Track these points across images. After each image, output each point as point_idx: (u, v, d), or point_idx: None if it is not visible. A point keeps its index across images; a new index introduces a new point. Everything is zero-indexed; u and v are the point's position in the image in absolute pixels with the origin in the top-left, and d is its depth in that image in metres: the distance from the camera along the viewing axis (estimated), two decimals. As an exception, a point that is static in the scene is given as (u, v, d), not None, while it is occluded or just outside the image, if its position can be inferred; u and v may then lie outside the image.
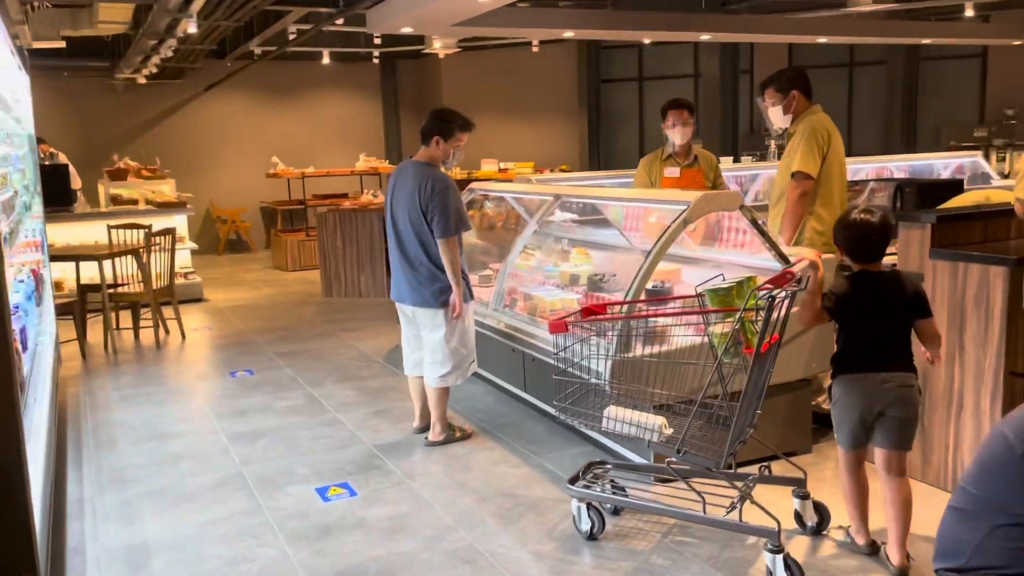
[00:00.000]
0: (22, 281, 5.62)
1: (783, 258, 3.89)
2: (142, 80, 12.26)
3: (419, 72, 14.72)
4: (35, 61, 11.42)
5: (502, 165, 13.09)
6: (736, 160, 8.49)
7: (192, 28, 7.73)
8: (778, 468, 3.58)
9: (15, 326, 4.56)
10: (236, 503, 3.78)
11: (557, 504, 3.65)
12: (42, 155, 9.48)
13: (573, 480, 3.39)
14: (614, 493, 3.41)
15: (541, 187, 5.39)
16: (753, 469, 3.42)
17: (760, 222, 3.90)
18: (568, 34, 8.25)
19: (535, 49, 12.33)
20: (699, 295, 3.02)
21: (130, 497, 3.88)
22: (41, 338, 5.42)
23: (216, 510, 3.71)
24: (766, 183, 7.75)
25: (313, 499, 3.79)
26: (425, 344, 4.40)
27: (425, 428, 4.56)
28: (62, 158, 9.88)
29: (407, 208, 4.25)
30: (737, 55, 10.87)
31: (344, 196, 12.12)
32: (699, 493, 3.03)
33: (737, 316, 2.79)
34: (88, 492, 3.97)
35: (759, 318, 2.84)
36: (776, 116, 4.39)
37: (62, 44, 9.30)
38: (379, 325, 7.54)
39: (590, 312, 3.68)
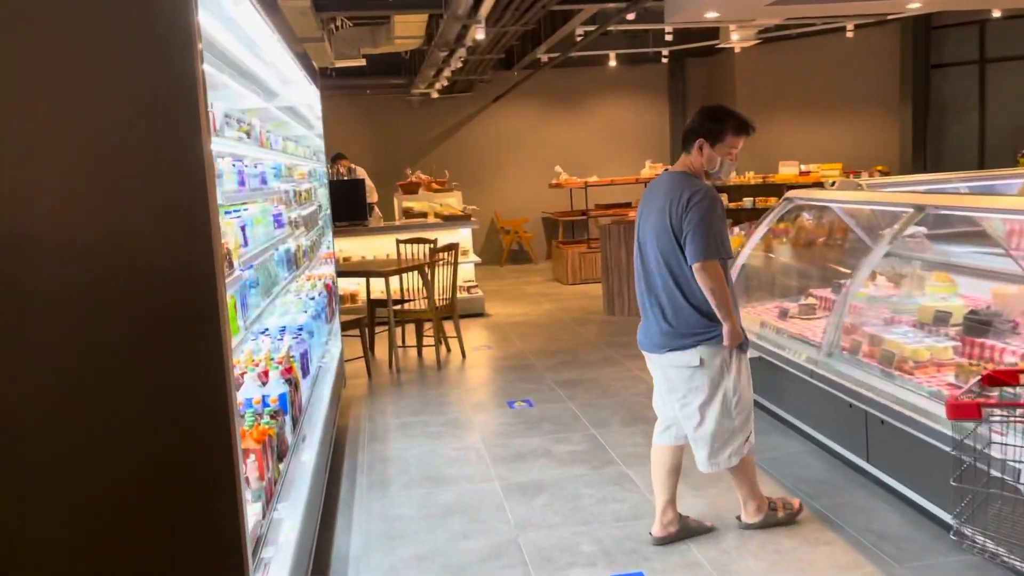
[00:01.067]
0: (313, 299, 5.55)
1: None
2: (435, 95, 12.55)
3: (710, 70, 13.64)
4: (339, 81, 12.10)
5: (804, 167, 11.68)
6: None
7: (480, 35, 7.45)
8: None
9: (297, 351, 4.36)
10: (510, 585, 3.15)
11: (946, 655, 2.55)
12: (342, 170, 9.88)
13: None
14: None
15: (892, 195, 4.21)
16: None
17: None
18: (913, 5, 6.76)
19: (849, 34, 10.73)
20: None
21: (396, 562, 3.40)
22: (325, 359, 5.29)
23: (487, 594, 3.10)
24: None
25: (601, 593, 3.05)
26: (681, 413, 3.34)
27: (665, 539, 3.38)
28: (360, 173, 10.24)
29: (655, 230, 3.27)
30: None
31: (627, 205, 11.45)
32: None
33: None
34: (355, 547, 3.57)
35: None
36: None
37: (362, 62, 9.62)
38: (669, 352, 6.68)
39: (992, 380, 2.57)
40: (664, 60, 12.70)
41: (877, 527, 3.41)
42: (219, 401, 1.93)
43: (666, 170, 3.46)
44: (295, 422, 3.76)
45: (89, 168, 1.81)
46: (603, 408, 5.33)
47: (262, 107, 5.02)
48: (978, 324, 3.59)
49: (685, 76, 13.88)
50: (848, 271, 5.17)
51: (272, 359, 3.88)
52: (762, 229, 5.17)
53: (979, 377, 2.54)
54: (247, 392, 3.53)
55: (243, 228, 3.93)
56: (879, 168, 11.58)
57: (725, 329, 3.18)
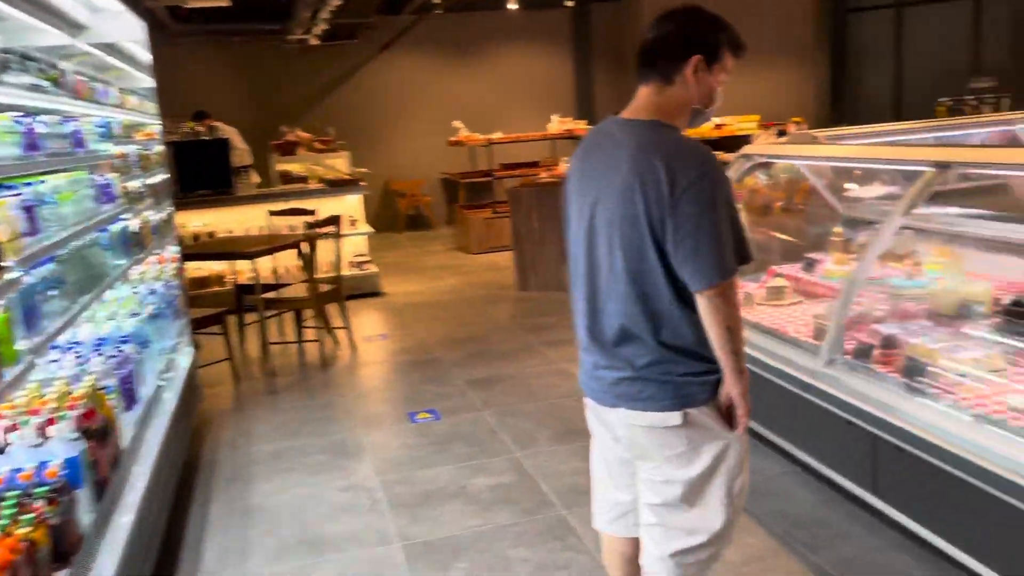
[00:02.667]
0: (153, 292, 4.31)
1: None
2: (315, 41, 11.10)
3: (617, 17, 12.65)
4: (203, 26, 10.50)
5: (717, 120, 10.95)
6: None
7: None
8: None
9: (116, 375, 3.16)
10: None
11: None
12: (202, 130, 8.43)
13: None
14: None
15: (901, 151, 3.32)
16: None
17: None
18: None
19: (766, -25, 9.98)
20: None
21: None
22: (169, 374, 4.08)
23: None
24: None
25: None
26: (648, 490, 2.01)
27: None
28: (226, 132, 8.79)
29: (613, 223, 1.91)
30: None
31: (535, 165, 10.45)
32: None
33: None
34: None
35: None
36: None
37: (227, 2, 8.16)
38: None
39: None
40: (569, 4, 11.65)
41: (909, 597, 2.56)
42: None
43: (615, 116, 2.00)
44: (100, 489, 2.61)
45: None
46: (526, 417, 4.34)
47: (73, 46, 3.71)
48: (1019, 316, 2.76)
49: (590, 23, 12.86)
50: (813, 242, 4.35)
51: (69, 395, 2.70)
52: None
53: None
54: (14, 460, 2.37)
55: (28, 210, 2.71)
56: (795, 120, 10.93)
57: (729, 379, 1.90)
